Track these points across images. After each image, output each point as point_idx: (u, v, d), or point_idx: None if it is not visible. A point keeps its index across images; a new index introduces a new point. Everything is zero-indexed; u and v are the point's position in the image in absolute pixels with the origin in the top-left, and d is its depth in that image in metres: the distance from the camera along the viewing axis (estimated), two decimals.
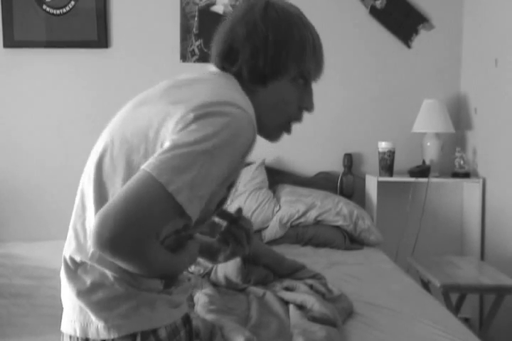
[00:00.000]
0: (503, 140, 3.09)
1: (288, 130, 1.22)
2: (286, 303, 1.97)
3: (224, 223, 1.29)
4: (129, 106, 1.21)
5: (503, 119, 3.10)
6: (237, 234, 1.27)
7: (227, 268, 2.20)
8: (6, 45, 3.47)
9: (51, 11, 3.44)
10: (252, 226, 1.31)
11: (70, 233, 1.15)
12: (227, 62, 1.16)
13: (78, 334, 1.09)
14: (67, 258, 1.12)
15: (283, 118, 1.19)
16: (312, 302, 1.89)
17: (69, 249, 1.13)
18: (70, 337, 1.11)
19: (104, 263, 1.06)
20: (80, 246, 1.10)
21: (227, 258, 1.31)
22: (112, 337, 1.06)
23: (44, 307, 2.45)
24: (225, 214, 1.30)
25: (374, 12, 3.54)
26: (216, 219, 1.29)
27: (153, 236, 0.97)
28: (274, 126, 1.19)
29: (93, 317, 1.07)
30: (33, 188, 3.53)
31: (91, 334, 1.07)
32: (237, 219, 1.28)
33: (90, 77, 3.53)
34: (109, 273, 1.07)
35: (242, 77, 1.15)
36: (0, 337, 2.01)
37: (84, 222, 1.14)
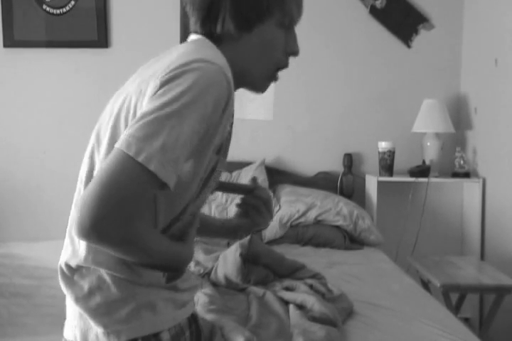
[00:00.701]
0: (503, 140, 3.09)
1: (275, 78, 1.17)
2: (286, 303, 1.97)
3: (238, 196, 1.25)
4: (111, 99, 1.21)
5: (503, 119, 3.10)
6: (256, 203, 1.23)
7: (227, 268, 2.20)
8: (6, 45, 3.47)
9: (51, 10, 3.44)
10: (270, 195, 1.27)
11: (66, 240, 1.14)
12: (209, 17, 1.11)
13: (79, 340, 1.07)
14: (63, 265, 1.10)
15: (271, 65, 1.14)
16: (312, 302, 1.89)
17: (65, 256, 1.11)
18: None
19: (100, 263, 1.04)
20: (75, 251, 1.09)
21: (249, 231, 1.27)
22: None
23: (44, 307, 2.45)
24: (238, 187, 1.27)
25: (374, 12, 3.54)
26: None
27: (139, 215, 0.93)
28: (262, 75, 1.15)
29: (92, 323, 1.05)
30: (32, 188, 3.53)
31: (90, 340, 1.06)
32: (252, 189, 1.24)
33: (90, 77, 3.53)
34: (105, 275, 1.04)
35: (225, 28, 1.09)
36: (0, 336, 2.01)
37: None
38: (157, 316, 1.06)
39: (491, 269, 2.84)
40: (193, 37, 1.17)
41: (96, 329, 1.05)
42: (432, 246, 3.54)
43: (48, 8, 3.44)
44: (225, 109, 1.01)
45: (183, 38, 3.50)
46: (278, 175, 3.51)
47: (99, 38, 3.48)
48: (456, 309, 2.90)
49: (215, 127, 1.01)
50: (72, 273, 1.08)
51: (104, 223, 0.89)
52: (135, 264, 1.03)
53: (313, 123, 3.54)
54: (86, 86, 3.54)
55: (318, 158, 3.61)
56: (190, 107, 0.94)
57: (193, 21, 1.15)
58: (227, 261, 2.23)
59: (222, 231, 1.34)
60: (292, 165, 3.59)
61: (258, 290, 2.09)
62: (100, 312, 1.04)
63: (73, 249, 1.09)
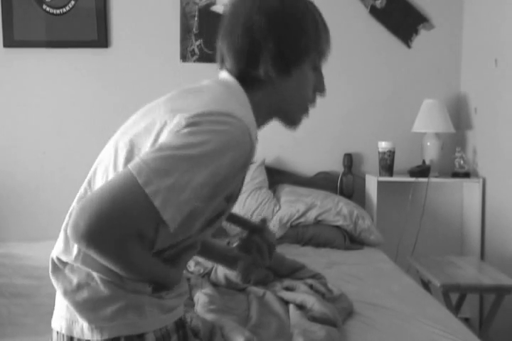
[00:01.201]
0: (503, 140, 3.09)
1: (305, 116, 1.24)
2: (286, 303, 1.97)
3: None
4: (135, 116, 1.20)
5: (503, 119, 3.10)
6: (260, 245, 1.26)
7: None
8: (6, 45, 3.47)
9: (51, 10, 3.44)
10: (275, 241, 1.30)
11: (60, 236, 1.15)
12: (249, 61, 1.13)
13: (64, 331, 1.09)
14: (55, 258, 1.12)
15: (305, 104, 1.21)
16: (312, 302, 1.89)
17: (57, 250, 1.13)
18: (57, 332, 1.11)
19: (88, 264, 1.06)
20: (67, 248, 1.10)
21: (245, 266, 1.29)
22: (95, 338, 1.05)
23: (44, 307, 2.45)
24: (247, 223, 1.29)
25: (374, 12, 3.54)
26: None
27: (130, 235, 0.95)
28: (298, 114, 1.21)
29: (78, 317, 1.07)
30: (32, 188, 3.53)
31: (76, 333, 1.07)
32: (260, 229, 1.27)
33: (90, 77, 3.53)
34: (94, 274, 1.06)
35: (267, 73, 1.12)
36: (0, 336, 2.01)
37: None
38: (142, 319, 1.07)
39: (491, 269, 2.84)
40: (225, 77, 1.17)
41: (81, 323, 1.06)
42: (432, 246, 3.54)
43: (48, 8, 3.44)
44: (241, 168, 1.03)
45: (183, 37, 3.50)
46: (278, 175, 3.51)
47: (99, 38, 3.48)
48: (456, 309, 2.90)
49: (228, 182, 1.03)
50: (63, 266, 1.10)
51: (97, 234, 0.92)
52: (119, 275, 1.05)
53: (313, 123, 3.52)
54: (86, 86, 3.53)
55: (318, 158, 3.61)
56: (207, 159, 0.96)
57: (229, 61, 1.16)
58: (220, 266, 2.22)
59: (221, 258, 1.36)
60: (292, 165, 3.59)
61: (258, 290, 2.09)
62: (86, 307, 1.06)
63: (65, 244, 1.11)
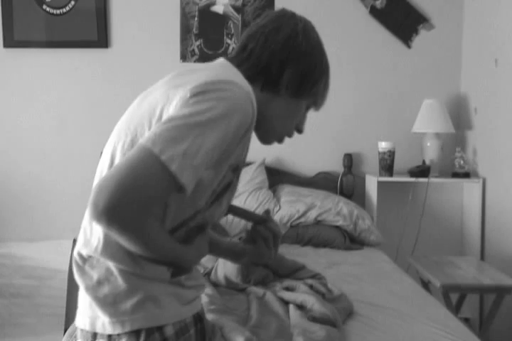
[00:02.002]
0: (503, 140, 3.09)
1: (280, 141, 1.29)
2: (286, 303, 1.97)
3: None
4: (135, 102, 1.24)
5: (503, 119, 3.10)
6: (266, 235, 1.29)
7: (227, 268, 2.20)
8: (6, 45, 3.47)
9: (51, 11, 3.44)
10: (280, 231, 1.32)
11: (80, 231, 1.18)
12: (269, 70, 1.21)
13: (88, 328, 1.12)
14: (76, 254, 1.16)
15: (286, 129, 1.27)
16: (312, 302, 1.89)
17: (78, 246, 1.16)
18: (81, 330, 1.14)
19: (109, 254, 1.08)
20: (87, 241, 1.13)
21: (252, 258, 1.33)
22: (116, 332, 1.08)
23: (44, 307, 2.45)
24: (250, 215, 1.33)
25: (374, 12, 3.55)
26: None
27: (150, 209, 0.97)
28: (276, 134, 1.26)
29: (100, 312, 1.10)
30: (32, 189, 3.53)
31: (98, 329, 1.11)
32: (266, 220, 1.30)
33: (90, 77, 3.53)
34: (113, 267, 1.09)
35: (288, 87, 1.21)
36: (0, 337, 2.01)
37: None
38: (161, 310, 1.10)
39: (491, 269, 2.84)
40: (224, 62, 1.24)
41: (103, 318, 1.10)
42: (432, 246, 3.55)
43: (48, 8, 3.44)
44: (245, 133, 1.09)
45: (183, 37, 3.50)
46: (278, 175, 3.52)
47: (99, 38, 3.48)
48: (456, 309, 2.90)
49: (234, 147, 1.09)
50: (83, 263, 1.14)
51: (118, 208, 0.93)
52: (139, 255, 1.06)
53: (313, 123, 3.53)
54: (86, 86, 3.53)
55: (318, 158, 3.61)
56: (216, 123, 1.01)
57: (243, 56, 1.22)
58: (227, 261, 2.23)
59: (227, 253, 1.39)
60: (292, 165, 3.59)
61: (258, 290, 2.09)
62: (107, 302, 1.09)
63: (85, 238, 1.14)
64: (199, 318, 1.21)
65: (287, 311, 1.89)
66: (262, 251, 1.30)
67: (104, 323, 1.09)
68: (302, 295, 1.98)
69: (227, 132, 1.02)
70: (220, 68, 1.18)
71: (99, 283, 1.11)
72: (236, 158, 1.14)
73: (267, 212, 1.30)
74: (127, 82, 3.52)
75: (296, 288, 2.11)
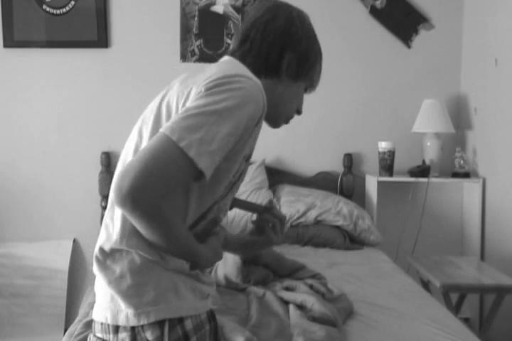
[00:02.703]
0: (503, 140, 3.09)
1: (287, 122, 1.39)
2: (286, 303, 1.97)
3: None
4: (154, 101, 1.30)
5: (503, 119, 3.10)
6: (273, 221, 1.35)
7: (227, 268, 2.20)
8: (6, 45, 3.47)
9: (51, 10, 3.44)
10: (284, 215, 1.39)
11: (102, 228, 1.24)
12: (270, 58, 1.30)
13: (109, 321, 1.14)
14: (97, 250, 1.19)
15: (290, 112, 1.35)
16: (312, 302, 1.89)
17: (100, 242, 1.21)
18: (102, 324, 1.16)
19: (131, 245, 1.13)
20: (109, 236, 1.18)
21: (262, 247, 1.39)
22: (141, 323, 1.11)
23: (44, 307, 2.45)
24: (255, 206, 1.39)
25: (374, 12, 3.55)
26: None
27: (173, 192, 1.04)
28: (283, 117, 1.35)
29: (123, 305, 1.12)
30: (32, 189, 3.53)
31: (121, 322, 1.12)
32: (268, 209, 1.36)
33: (90, 77, 3.53)
34: (136, 259, 1.13)
35: (288, 71, 1.30)
36: (1, 337, 2.02)
37: (113, 216, 1.21)
38: (181, 301, 1.14)
39: (491, 269, 2.84)
40: (229, 59, 1.33)
41: (126, 311, 1.12)
42: (432, 246, 3.55)
43: (47, 8, 3.44)
44: (257, 122, 1.16)
45: (183, 37, 3.50)
46: (278, 175, 3.52)
47: (99, 38, 3.48)
48: (456, 309, 2.90)
49: (247, 136, 1.15)
50: (105, 258, 1.17)
51: (141, 191, 0.99)
52: (157, 246, 1.11)
53: (313, 123, 3.54)
54: (86, 86, 3.53)
55: (318, 158, 3.61)
56: (231, 112, 1.08)
57: (245, 47, 1.31)
58: (227, 261, 2.23)
59: (236, 246, 1.44)
60: (292, 165, 3.59)
61: (258, 290, 2.09)
62: (130, 294, 1.12)
63: (107, 233, 1.19)
64: (212, 316, 1.24)
65: (287, 311, 1.89)
66: (271, 237, 1.35)
67: (127, 315, 1.12)
68: (302, 295, 1.98)
69: (241, 121, 1.09)
70: (229, 64, 1.26)
71: (122, 276, 1.13)
72: (249, 148, 1.21)
73: (271, 201, 1.38)
74: (127, 82, 3.52)
75: (296, 287, 2.11)
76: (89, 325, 1.85)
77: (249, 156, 1.25)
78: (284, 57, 1.28)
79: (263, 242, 1.38)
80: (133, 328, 1.12)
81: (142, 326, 1.11)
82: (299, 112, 1.38)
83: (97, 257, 1.19)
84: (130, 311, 1.11)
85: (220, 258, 1.27)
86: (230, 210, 1.34)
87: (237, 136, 1.09)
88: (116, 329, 1.13)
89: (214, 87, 1.11)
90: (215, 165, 1.06)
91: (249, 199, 3.23)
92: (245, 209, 1.41)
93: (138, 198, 0.99)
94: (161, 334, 1.11)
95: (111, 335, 1.13)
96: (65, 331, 2.17)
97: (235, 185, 1.24)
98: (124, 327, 1.12)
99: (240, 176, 1.25)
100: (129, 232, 1.14)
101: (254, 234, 1.39)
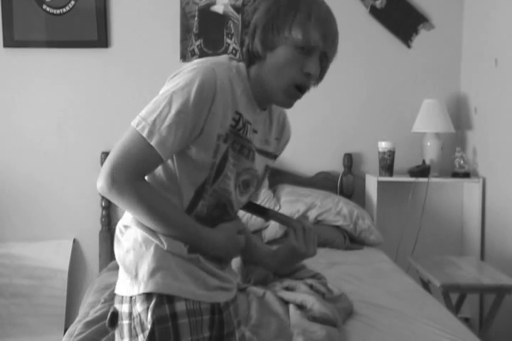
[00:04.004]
0: (503, 140, 3.09)
1: (292, 94, 1.28)
2: (286, 303, 1.97)
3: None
4: None
5: (503, 119, 3.10)
6: (300, 232, 1.38)
7: None
8: (6, 45, 3.47)
9: (51, 10, 3.44)
10: (313, 228, 1.44)
11: None
12: (243, 41, 1.43)
13: (118, 292, 1.27)
14: (117, 228, 1.32)
15: (286, 80, 1.26)
16: (312, 302, 1.89)
17: (120, 220, 1.32)
18: (116, 295, 1.28)
19: (139, 223, 1.24)
20: (127, 214, 1.29)
21: (293, 258, 1.42)
22: (133, 293, 1.22)
23: (44, 307, 2.45)
24: (286, 218, 1.42)
25: (374, 12, 3.54)
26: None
27: (140, 172, 1.18)
28: (279, 89, 1.27)
29: (124, 277, 1.25)
30: (32, 189, 3.53)
31: (123, 292, 1.25)
32: (301, 221, 1.39)
33: (90, 77, 3.53)
34: (139, 238, 1.24)
35: (253, 49, 1.28)
36: (1, 337, 2.02)
37: None
38: (174, 282, 1.21)
39: (491, 269, 2.84)
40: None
41: (126, 282, 1.24)
42: (432, 246, 3.54)
43: (48, 8, 3.44)
44: (213, 99, 1.20)
45: (183, 37, 3.50)
46: (278, 175, 3.51)
47: (99, 38, 3.48)
48: (456, 309, 2.90)
49: (206, 113, 1.20)
50: (122, 235, 1.29)
51: (113, 174, 1.15)
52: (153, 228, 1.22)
53: (313, 123, 3.54)
54: (86, 86, 3.53)
55: (318, 158, 3.61)
56: (178, 92, 1.18)
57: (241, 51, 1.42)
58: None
59: (264, 254, 1.45)
60: (292, 165, 3.59)
61: (258, 290, 2.09)
62: (130, 267, 1.23)
63: (126, 212, 1.29)
64: (218, 310, 1.27)
65: (287, 311, 1.89)
66: (297, 246, 1.38)
67: (126, 286, 1.23)
68: (302, 295, 1.98)
69: (189, 97, 1.17)
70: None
71: (128, 251, 1.25)
72: (221, 127, 1.23)
73: (304, 216, 1.40)
74: (127, 81, 3.52)
75: (296, 287, 2.11)
76: (89, 325, 1.85)
77: (227, 137, 1.24)
78: (255, 40, 1.28)
79: (292, 252, 1.37)
80: (131, 298, 1.22)
81: (135, 298, 1.21)
82: (308, 74, 1.26)
83: (116, 235, 1.31)
84: (127, 282, 1.23)
85: (238, 246, 1.29)
86: (266, 222, 1.41)
87: (189, 112, 1.18)
88: (122, 299, 1.24)
89: (174, 76, 1.24)
90: (169, 142, 1.17)
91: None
92: (278, 221, 1.41)
93: (111, 181, 1.15)
94: (147, 307, 1.19)
95: (119, 305, 1.25)
96: (65, 331, 2.17)
97: (225, 167, 1.26)
98: (125, 297, 1.23)
99: (227, 158, 1.25)
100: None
101: (285, 246, 1.39)
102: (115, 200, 1.18)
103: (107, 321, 1.27)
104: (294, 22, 1.23)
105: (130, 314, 1.22)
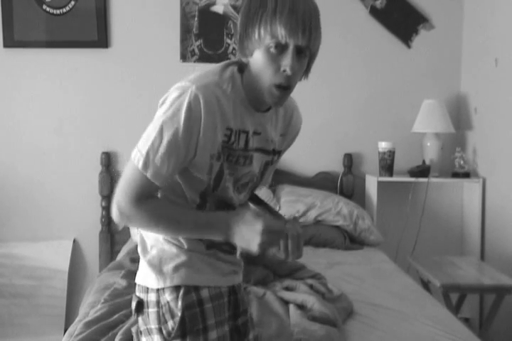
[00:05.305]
0: (503, 140, 3.09)
1: (275, 95, 1.28)
2: (286, 303, 1.97)
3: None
4: None
5: (503, 119, 3.10)
6: (285, 234, 1.32)
7: None
8: (6, 45, 3.47)
9: (51, 11, 3.44)
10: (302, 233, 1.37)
11: None
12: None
13: (142, 283, 1.35)
14: None
15: (267, 83, 1.27)
16: (312, 301, 1.89)
17: None
18: (138, 285, 1.36)
19: None
20: None
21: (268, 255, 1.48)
22: (162, 286, 1.31)
23: (44, 307, 2.45)
24: (279, 216, 1.45)
25: (374, 12, 3.55)
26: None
27: (142, 197, 1.24)
28: (264, 92, 1.28)
29: (150, 271, 1.33)
30: (32, 189, 3.53)
31: (149, 284, 1.33)
32: (292, 222, 1.35)
33: (90, 77, 3.53)
34: (161, 239, 1.33)
35: (238, 56, 1.32)
36: (1, 337, 2.02)
37: None
38: (197, 274, 1.32)
39: (491, 269, 2.84)
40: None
41: (152, 276, 1.32)
42: (432, 246, 3.54)
43: (47, 8, 3.44)
44: (201, 124, 1.23)
45: (183, 37, 3.51)
46: (278, 175, 3.50)
47: (99, 38, 3.48)
48: (456, 309, 2.90)
49: (196, 137, 1.24)
50: (144, 233, 1.37)
51: (118, 205, 1.24)
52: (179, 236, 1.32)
53: (313, 123, 3.54)
54: (86, 86, 3.53)
55: (318, 158, 3.61)
56: (166, 124, 1.22)
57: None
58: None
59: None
60: (292, 165, 3.59)
61: (258, 290, 2.09)
62: (154, 263, 1.33)
63: None
64: (233, 291, 1.39)
65: (287, 311, 1.89)
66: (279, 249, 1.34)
67: (152, 280, 1.32)
68: (302, 294, 1.98)
69: (178, 126, 1.21)
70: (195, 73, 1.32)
71: (150, 248, 1.34)
72: (212, 147, 1.26)
73: (296, 218, 1.39)
74: (127, 82, 3.52)
75: (296, 287, 2.11)
76: (89, 325, 1.85)
77: (220, 156, 1.28)
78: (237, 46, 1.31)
79: (273, 257, 1.46)
80: (157, 290, 1.31)
81: (163, 289, 1.31)
82: (284, 71, 1.25)
83: (140, 232, 1.39)
84: (153, 276, 1.32)
85: (258, 231, 1.24)
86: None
87: (179, 141, 1.22)
88: (147, 290, 1.33)
89: (162, 102, 1.26)
90: (163, 171, 1.23)
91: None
92: (272, 216, 1.43)
93: (119, 212, 1.25)
94: (176, 296, 1.30)
95: (143, 294, 1.34)
96: (65, 331, 2.17)
97: (222, 180, 1.31)
98: (152, 289, 1.32)
99: (223, 174, 1.30)
100: None
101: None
102: (131, 226, 1.30)
103: (133, 309, 1.36)
104: (261, 23, 1.23)
105: (158, 302, 1.32)
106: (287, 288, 2.14)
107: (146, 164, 1.23)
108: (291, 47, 1.23)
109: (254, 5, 1.26)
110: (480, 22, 3.40)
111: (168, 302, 1.31)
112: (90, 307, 2.08)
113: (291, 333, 1.70)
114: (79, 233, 3.53)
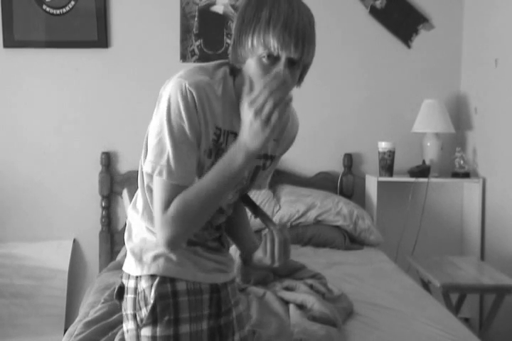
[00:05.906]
0: (503, 140, 3.09)
1: None
2: (286, 303, 1.97)
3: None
4: None
5: (503, 119, 3.10)
6: (280, 238, 1.36)
7: None
8: (6, 45, 3.47)
9: (51, 11, 3.44)
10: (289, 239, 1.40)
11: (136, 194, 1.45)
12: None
13: (126, 270, 1.39)
14: (128, 213, 1.43)
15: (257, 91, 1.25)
16: (312, 301, 1.89)
17: (131, 205, 1.43)
18: (123, 271, 1.40)
19: (145, 218, 1.35)
20: (135, 205, 1.40)
21: (258, 263, 1.44)
22: (139, 273, 1.34)
23: (44, 307, 2.45)
24: (269, 220, 1.45)
25: (374, 12, 3.54)
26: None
27: (169, 200, 1.24)
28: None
29: (131, 259, 1.37)
30: (32, 189, 3.53)
31: (130, 271, 1.37)
32: (280, 227, 1.38)
33: (90, 77, 3.53)
34: (144, 227, 1.36)
35: (232, 60, 1.33)
36: (1, 337, 2.02)
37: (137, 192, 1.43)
38: (175, 266, 1.33)
39: (491, 269, 2.84)
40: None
41: (133, 263, 1.36)
42: (432, 246, 3.54)
43: (47, 8, 3.44)
44: (199, 114, 1.24)
45: (183, 37, 3.51)
46: (278, 175, 3.51)
47: (99, 38, 3.48)
48: (456, 309, 2.90)
49: (199, 126, 1.25)
50: (131, 218, 1.41)
51: (166, 226, 1.25)
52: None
53: (313, 123, 3.54)
54: (86, 86, 3.53)
55: (318, 158, 3.61)
56: (171, 126, 1.23)
57: None
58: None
59: (248, 242, 1.53)
60: (292, 165, 3.59)
61: (258, 290, 2.09)
62: (135, 251, 1.36)
63: (134, 204, 1.41)
64: (216, 289, 1.38)
65: (287, 311, 1.89)
66: (266, 254, 1.36)
67: (132, 266, 1.35)
68: (302, 294, 1.98)
69: (174, 124, 1.23)
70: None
71: (135, 236, 1.38)
72: (207, 142, 1.28)
73: (284, 224, 1.47)
74: (127, 82, 3.52)
75: (296, 287, 2.12)
76: (89, 325, 1.85)
77: (210, 152, 1.29)
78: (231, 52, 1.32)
79: (259, 262, 1.41)
80: (136, 277, 1.35)
81: (141, 276, 1.33)
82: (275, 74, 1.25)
83: (128, 220, 1.43)
84: (133, 264, 1.35)
85: (251, 117, 1.18)
86: (254, 218, 1.52)
87: (188, 138, 1.23)
88: (128, 276, 1.37)
89: (157, 105, 1.28)
90: (186, 171, 1.24)
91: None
92: (261, 220, 1.45)
93: (164, 233, 1.25)
94: (151, 285, 1.32)
95: (125, 280, 1.38)
96: (65, 331, 2.17)
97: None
98: (132, 276, 1.36)
99: (202, 170, 1.28)
100: (143, 207, 1.36)
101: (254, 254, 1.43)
102: (182, 233, 1.26)
103: (114, 294, 1.40)
104: (255, 33, 1.22)
105: (135, 289, 1.34)
106: (287, 288, 2.14)
107: (170, 172, 1.23)
108: (283, 59, 1.23)
109: (249, 14, 1.24)
110: (480, 22, 3.40)
111: (144, 289, 1.33)
112: (90, 307, 2.08)
113: (291, 333, 1.70)
114: (79, 233, 3.53)
